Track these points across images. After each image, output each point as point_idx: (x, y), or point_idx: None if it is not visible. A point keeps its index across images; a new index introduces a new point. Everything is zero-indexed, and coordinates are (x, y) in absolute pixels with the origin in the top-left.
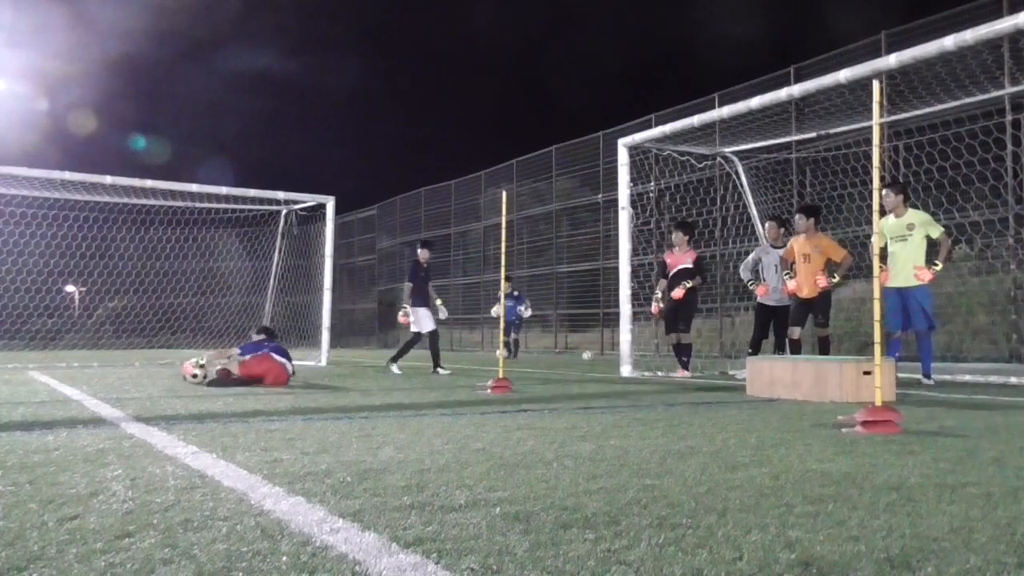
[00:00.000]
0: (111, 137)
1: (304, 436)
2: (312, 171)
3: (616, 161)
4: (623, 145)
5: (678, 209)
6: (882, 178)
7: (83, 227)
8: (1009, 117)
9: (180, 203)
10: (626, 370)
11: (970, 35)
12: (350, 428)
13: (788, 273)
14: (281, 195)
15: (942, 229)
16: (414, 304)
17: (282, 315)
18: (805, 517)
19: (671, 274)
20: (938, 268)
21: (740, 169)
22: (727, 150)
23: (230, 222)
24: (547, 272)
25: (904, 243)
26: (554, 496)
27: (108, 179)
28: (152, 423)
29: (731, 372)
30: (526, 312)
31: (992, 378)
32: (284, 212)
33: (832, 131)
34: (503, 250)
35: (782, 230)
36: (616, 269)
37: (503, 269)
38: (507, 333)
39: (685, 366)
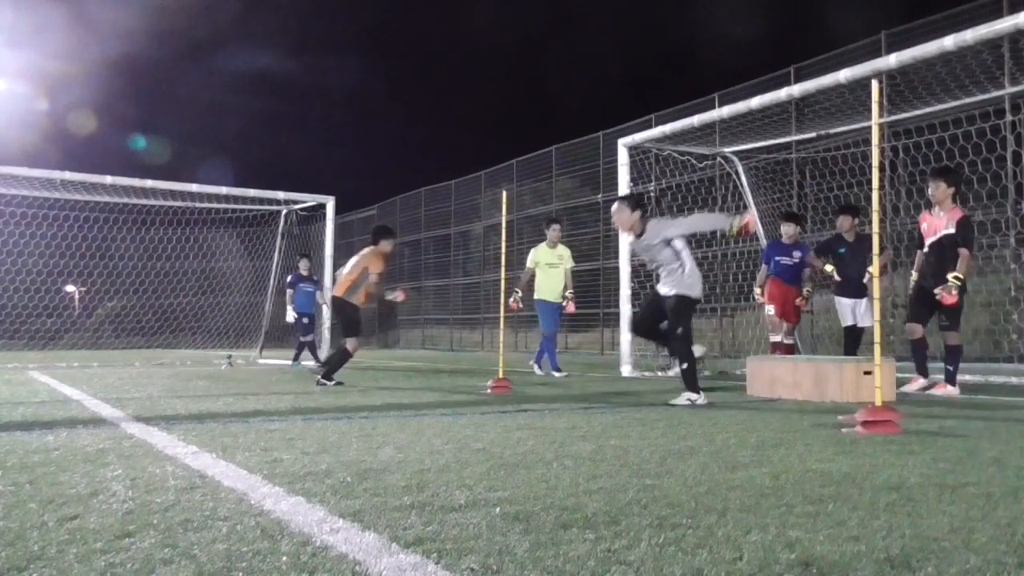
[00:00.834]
0: (111, 137)
1: (304, 436)
2: (312, 171)
3: (616, 161)
4: (623, 145)
5: (679, 209)
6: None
7: (83, 227)
8: (1009, 117)
9: (180, 203)
10: (626, 370)
11: (970, 35)
12: (350, 428)
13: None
14: (281, 195)
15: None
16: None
17: (282, 315)
18: (805, 517)
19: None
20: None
21: (740, 169)
22: (727, 150)
23: (230, 222)
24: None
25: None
26: (554, 496)
27: (108, 179)
28: (152, 423)
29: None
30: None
31: (992, 378)
32: (284, 212)
33: (832, 131)
34: (503, 250)
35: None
36: (616, 269)
37: (503, 269)
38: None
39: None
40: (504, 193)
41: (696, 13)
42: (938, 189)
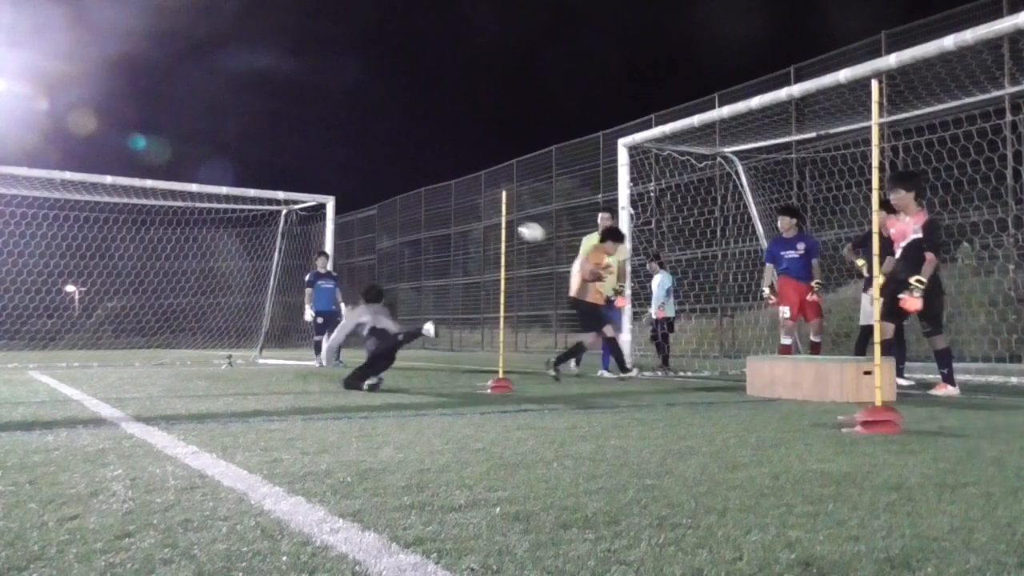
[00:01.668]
0: (111, 137)
1: (304, 436)
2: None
3: (616, 161)
4: (623, 145)
5: (678, 209)
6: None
7: (83, 227)
8: (1009, 117)
9: (180, 203)
10: None
11: (970, 35)
12: (350, 428)
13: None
14: (281, 195)
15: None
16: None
17: (281, 315)
18: (805, 517)
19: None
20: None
21: (740, 169)
22: (727, 150)
23: (230, 222)
24: (547, 272)
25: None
26: (554, 496)
27: (108, 179)
28: (152, 423)
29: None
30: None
31: (992, 378)
32: (284, 212)
33: (832, 131)
34: (503, 250)
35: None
36: None
37: (503, 269)
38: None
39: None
40: (504, 193)
41: (696, 13)
42: (898, 196)
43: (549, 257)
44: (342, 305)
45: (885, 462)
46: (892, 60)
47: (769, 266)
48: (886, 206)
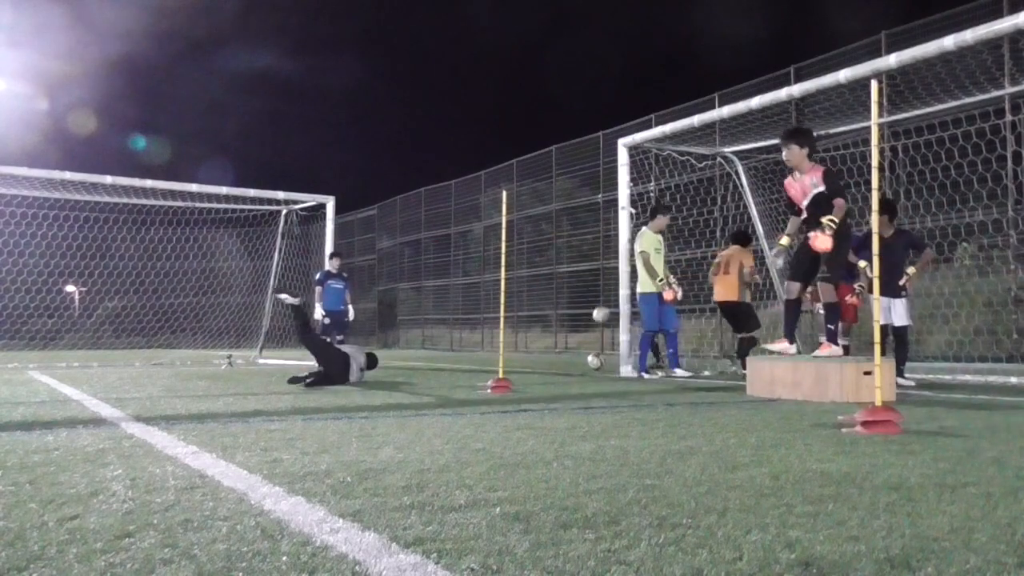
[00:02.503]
0: (111, 137)
1: (304, 436)
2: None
3: (616, 161)
4: (623, 145)
5: (678, 209)
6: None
7: (83, 227)
8: (1009, 117)
9: (180, 203)
10: (626, 370)
11: (970, 35)
12: (350, 428)
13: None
14: (281, 195)
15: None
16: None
17: (282, 315)
18: (805, 517)
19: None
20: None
21: (740, 169)
22: (727, 150)
23: (230, 222)
24: (547, 272)
25: None
26: (554, 496)
27: (108, 179)
28: (152, 423)
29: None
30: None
31: (992, 378)
32: (284, 212)
33: (832, 131)
34: (503, 250)
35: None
36: (616, 269)
37: (503, 269)
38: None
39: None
40: (504, 193)
41: (696, 13)
42: (791, 152)
43: (549, 257)
44: (350, 307)
45: (885, 462)
46: (892, 60)
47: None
48: (886, 207)
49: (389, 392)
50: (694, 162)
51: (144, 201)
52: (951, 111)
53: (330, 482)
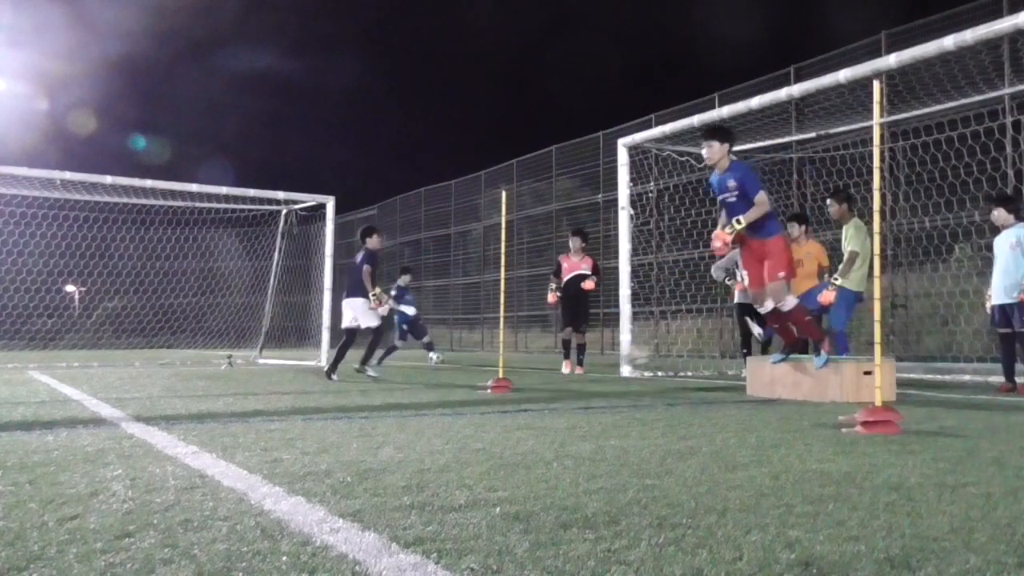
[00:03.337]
0: (111, 137)
1: (304, 436)
2: (312, 171)
3: (616, 161)
4: (623, 145)
5: (676, 210)
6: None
7: (83, 227)
8: (1009, 117)
9: (180, 203)
10: (626, 370)
11: (970, 35)
12: (350, 428)
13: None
14: (281, 195)
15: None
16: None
17: (282, 315)
18: (805, 517)
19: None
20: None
21: None
22: None
23: (230, 222)
24: (547, 272)
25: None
26: (554, 496)
27: (108, 179)
28: (152, 423)
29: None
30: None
31: (992, 378)
32: (284, 212)
33: (832, 131)
34: (503, 250)
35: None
36: (616, 269)
37: (503, 269)
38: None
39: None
40: (504, 193)
41: (696, 13)
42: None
43: (549, 257)
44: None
45: (885, 462)
46: (892, 60)
47: None
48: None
49: (389, 392)
50: (694, 162)
51: (144, 201)
52: (951, 111)
53: (330, 482)
